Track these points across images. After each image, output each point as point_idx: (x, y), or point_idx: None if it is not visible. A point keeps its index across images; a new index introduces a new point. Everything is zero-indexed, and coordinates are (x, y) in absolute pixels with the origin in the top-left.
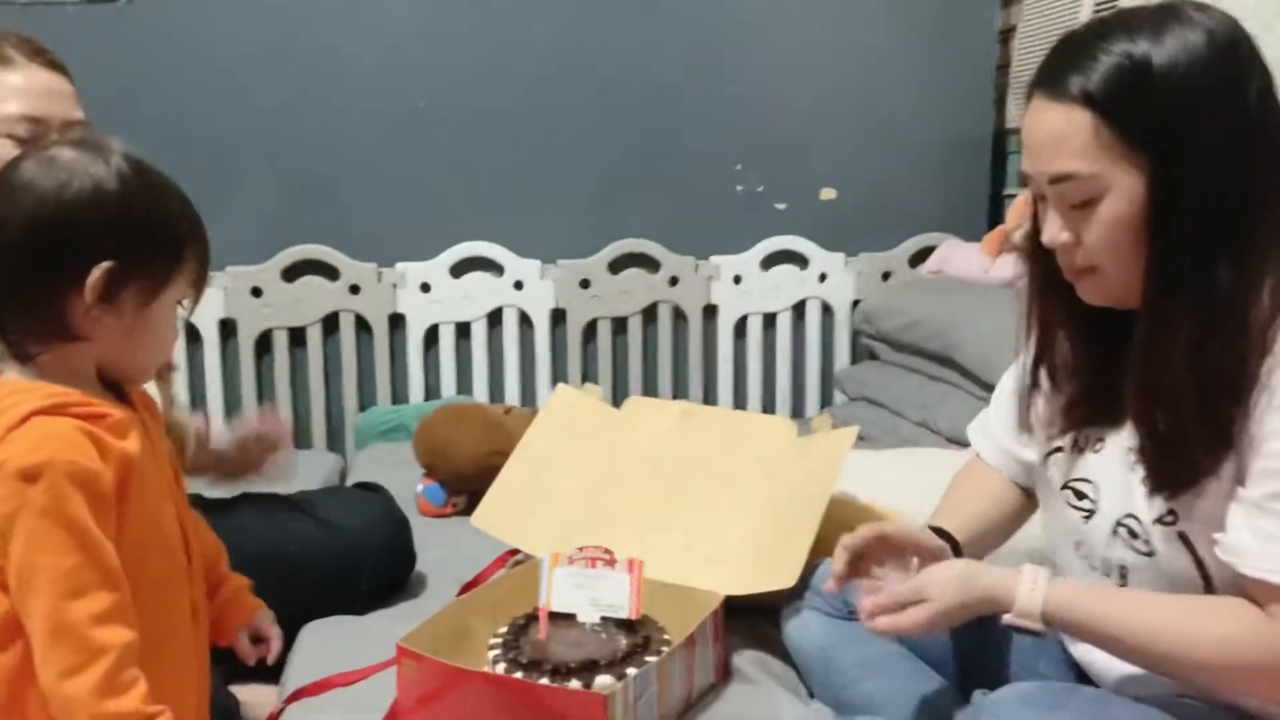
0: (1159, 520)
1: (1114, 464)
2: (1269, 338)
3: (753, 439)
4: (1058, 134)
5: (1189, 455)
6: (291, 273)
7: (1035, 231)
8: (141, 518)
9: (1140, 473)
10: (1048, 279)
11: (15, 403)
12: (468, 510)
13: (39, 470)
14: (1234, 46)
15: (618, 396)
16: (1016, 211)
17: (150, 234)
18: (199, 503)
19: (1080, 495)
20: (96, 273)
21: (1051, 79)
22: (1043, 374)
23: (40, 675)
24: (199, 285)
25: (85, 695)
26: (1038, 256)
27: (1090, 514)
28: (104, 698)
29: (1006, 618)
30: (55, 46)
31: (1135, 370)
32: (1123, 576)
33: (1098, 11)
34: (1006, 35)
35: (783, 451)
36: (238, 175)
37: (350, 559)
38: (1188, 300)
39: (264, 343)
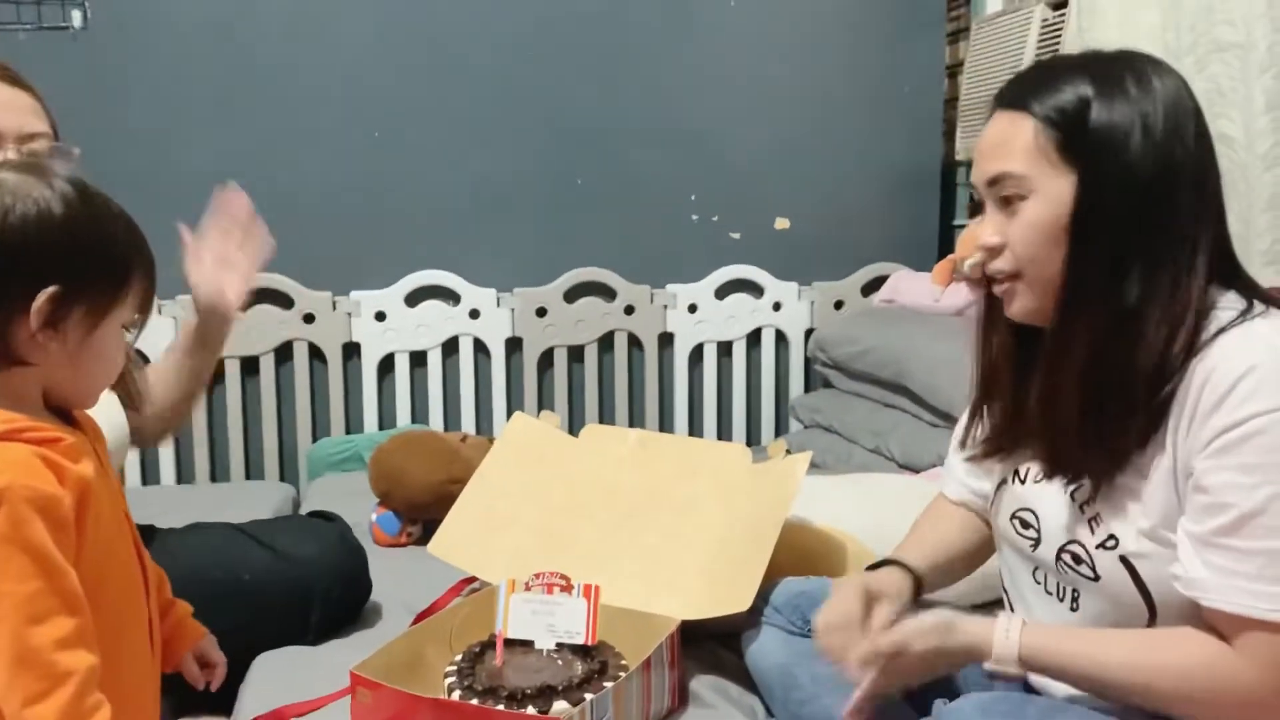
0: (1100, 545)
1: (1053, 493)
2: (1195, 343)
3: (708, 466)
4: (1002, 138)
5: (1082, 468)
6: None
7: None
8: (98, 541)
9: (1076, 499)
10: (991, 307)
11: None
12: (423, 539)
13: None
14: (1178, 101)
15: (574, 424)
16: (965, 241)
17: (95, 258)
18: (150, 533)
19: (1025, 525)
20: (41, 298)
21: (1009, 97)
22: (985, 405)
23: (3, 703)
24: (145, 309)
25: None
26: (984, 286)
27: (1036, 543)
28: None
29: (987, 666)
30: None
31: (1039, 381)
32: (1075, 600)
33: (1041, 46)
34: (954, 70)
35: (738, 478)
36: (187, 201)
37: (303, 588)
38: (1093, 310)
39: (216, 372)
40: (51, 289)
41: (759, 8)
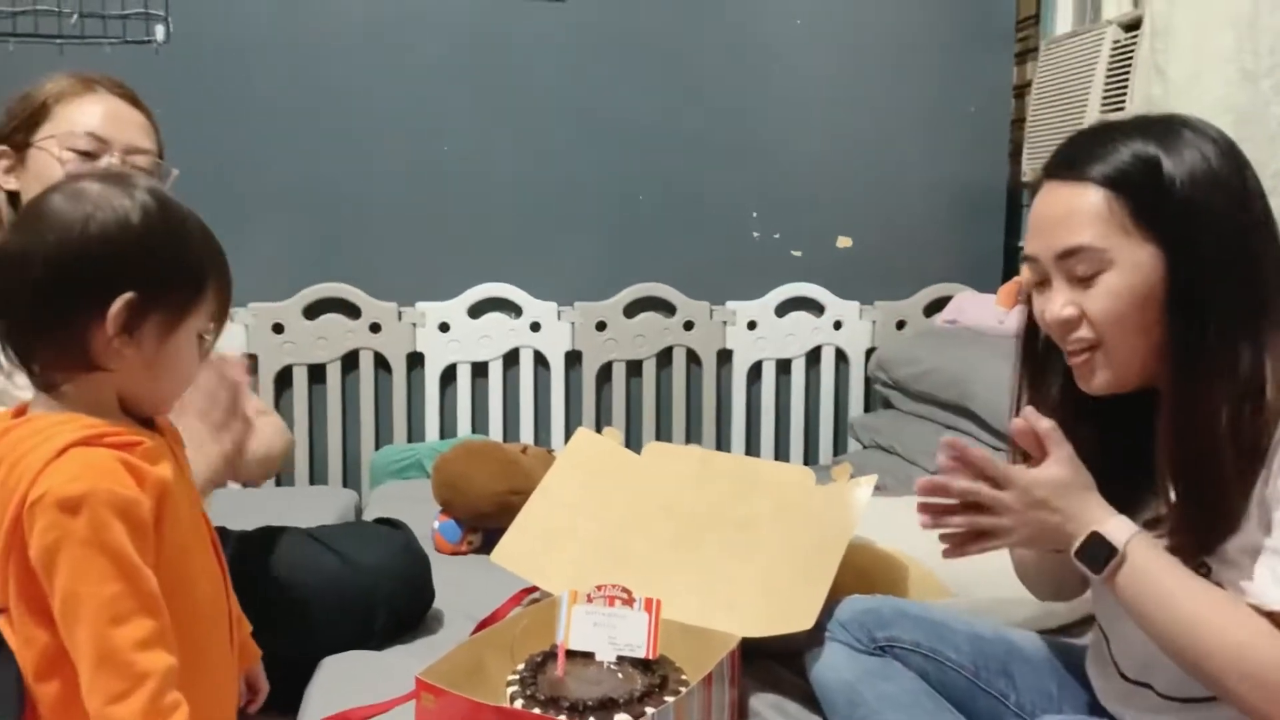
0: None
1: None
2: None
3: (771, 486)
4: (1069, 210)
5: (1228, 516)
6: (313, 310)
7: (1029, 336)
8: (176, 542)
9: (1167, 542)
10: (1039, 375)
11: (52, 435)
12: (483, 548)
13: (79, 501)
14: (1234, 150)
15: (631, 439)
16: None
17: (171, 266)
18: (223, 535)
19: None
20: (117, 304)
21: (1065, 164)
22: None
23: (87, 701)
24: (220, 318)
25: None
26: (1034, 364)
27: None
28: None
29: (1081, 539)
30: None
31: (1169, 447)
32: None
33: (1112, 68)
34: (1021, 90)
35: (801, 499)
36: (263, 213)
37: (369, 594)
38: (1217, 378)
39: (284, 378)
40: (128, 296)
41: (825, 26)
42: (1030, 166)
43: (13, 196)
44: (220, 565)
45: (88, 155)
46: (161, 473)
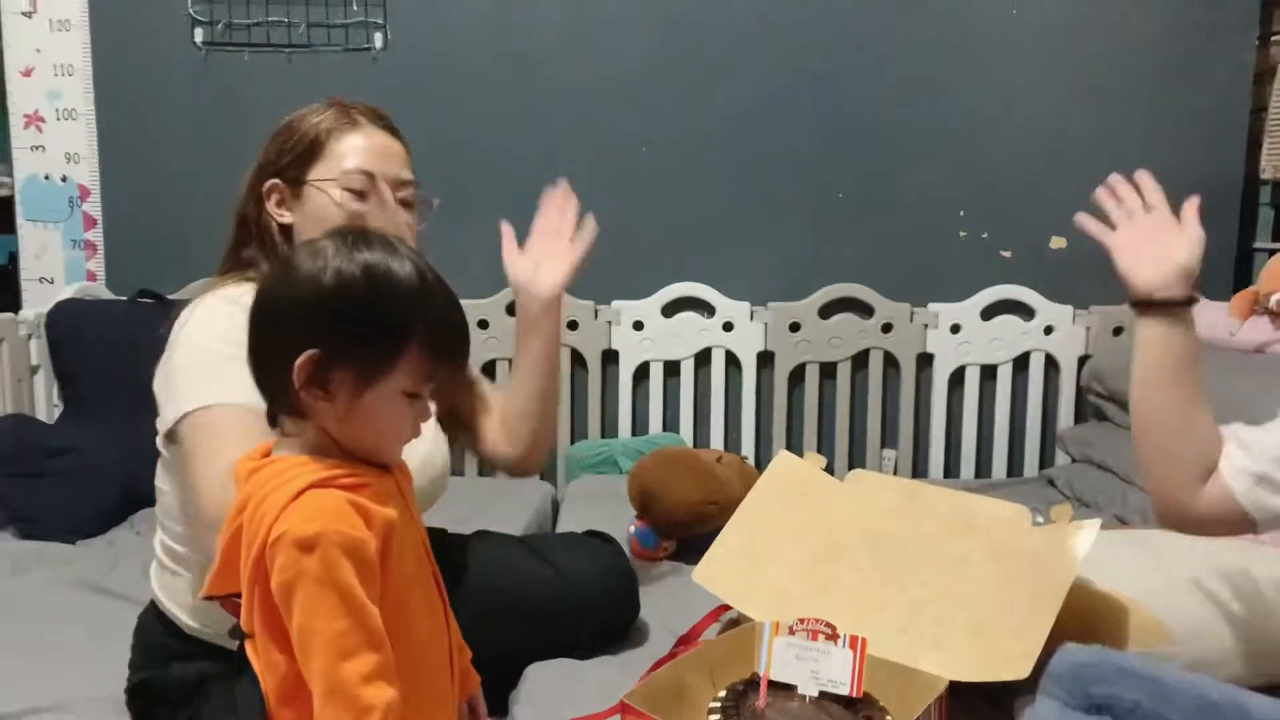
0: None
1: None
2: None
3: (983, 523)
4: None
5: None
6: (509, 309)
7: None
8: (400, 578)
9: None
10: None
11: (291, 478)
12: (677, 554)
13: (314, 541)
14: None
15: (823, 444)
16: (1271, 273)
17: (361, 328)
18: (441, 537)
19: None
20: (301, 359)
21: None
22: None
23: None
24: (431, 378)
25: None
26: None
27: None
28: None
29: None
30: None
31: None
32: None
33: None
34: (1262, 77)
35: (1016, 539)
36: (468, 214)
37: (578, 606)
38: None
39: (486, 373)
40: (311, 352)
41: (1043, 14)
42: (1271, 162)
43: (285, 228)
44: (441, 597)
45: (360, 194)
46: (388, 513)
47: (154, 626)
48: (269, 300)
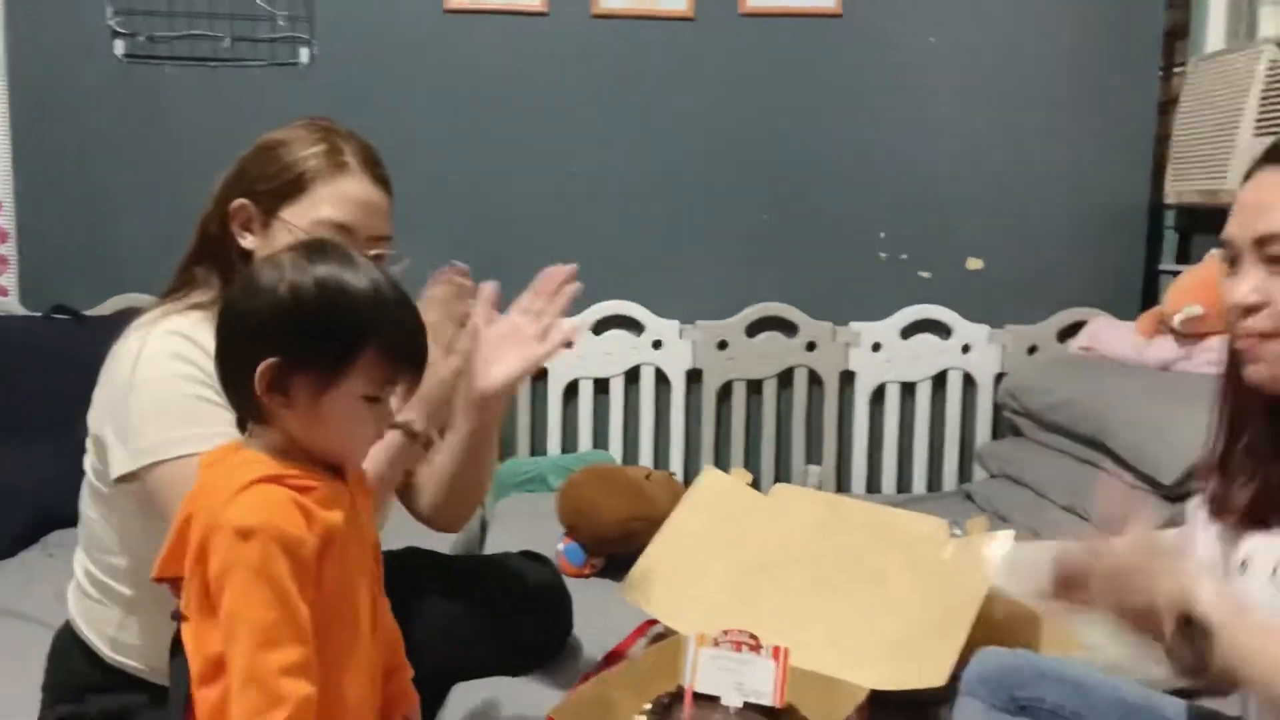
0: None
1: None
2: None
3: (902, 537)
4: (1276, 195)
5: None
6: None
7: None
8: (335, 583)
9: None
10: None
11: (245, 471)
12: (605, 571)
13: (252, 531)
14: None
15: (750, 459)
16: (1176, 294)
17: (314, 333)
18: None
19: None
20: (261, 366)
21: None
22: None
23: (230, 712)
24: (393, 382)
25: None
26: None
27: None
28: None
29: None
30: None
31: None
32: None
33: (1268, 89)
34: (1167, 106)
35: (934, 553)
36: (399, 231)
37: (512, 627)
38: None
39: None
40: (271, 360)
41: (959, 40)
42: (1175, 187)
43: (245, 254)
44: (375, 615)
45: None
46: (331, 517)
47: (70, 652)
48: (234, 312)
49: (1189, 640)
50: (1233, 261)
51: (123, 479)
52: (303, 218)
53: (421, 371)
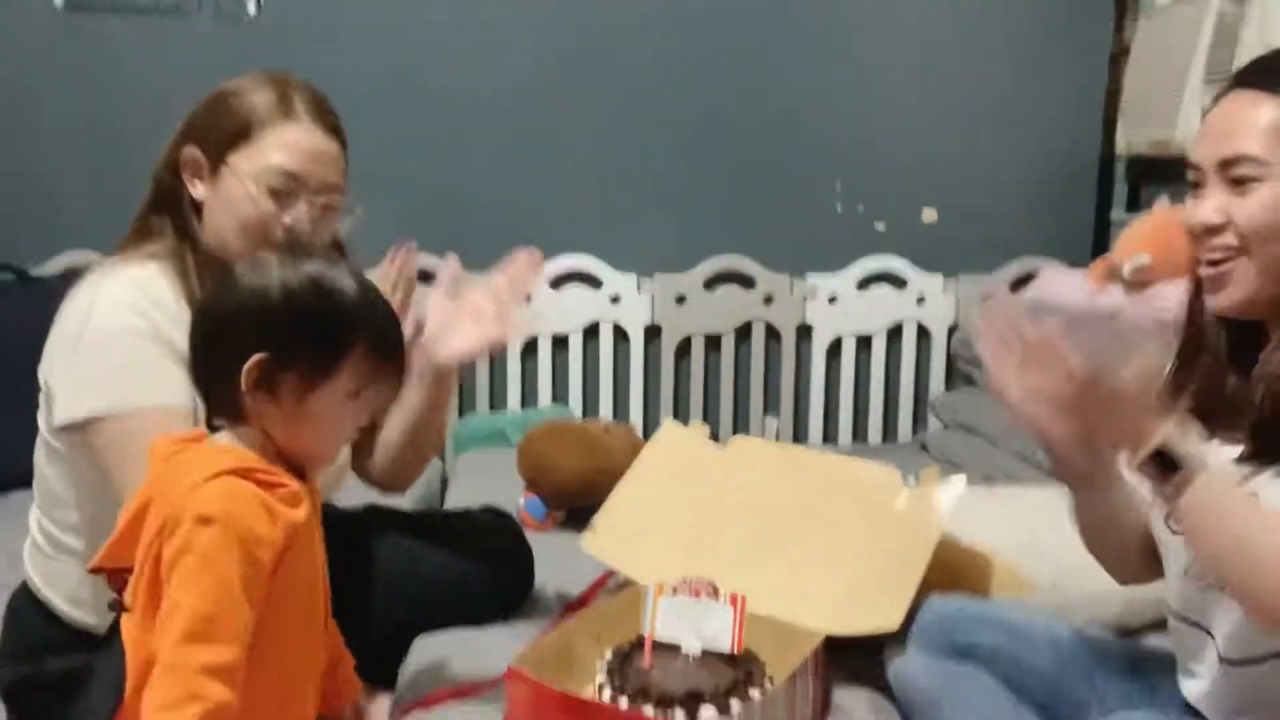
0: None
1: None
2: None
3: (858, 485)
4: (1239, 118)
5: None
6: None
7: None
8: (292, 577)
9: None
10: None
11: (214, 461)
12: (566, 523)
13: (213, 519)
14: None
15: (709, 413)
16: (1125, 241)
17: (306, 334)
18: (330, 513)
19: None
20: (249, 364)
21: (1249, 77)
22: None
23: (145, 696)
24: (374, 380)
25: None
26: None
27: None
28: None
29: (1148, 450)
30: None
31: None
32: None
33: (1216, 43)
34: (1118, 58)
35: (887, 500)
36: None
37: (474, 585)
38: None
39: None
40: (258, 357)
41: None
42: (1125, 138)
43: (196, 204)
44: (326, 608)
45: (276, 193)
46: (295, 516)
47: (28, 613)
48: (214, 310)
49: (1163, 470)
50: (1197, 185)
51: (66, 428)
52: (251, 164)
53: (404, 369)
